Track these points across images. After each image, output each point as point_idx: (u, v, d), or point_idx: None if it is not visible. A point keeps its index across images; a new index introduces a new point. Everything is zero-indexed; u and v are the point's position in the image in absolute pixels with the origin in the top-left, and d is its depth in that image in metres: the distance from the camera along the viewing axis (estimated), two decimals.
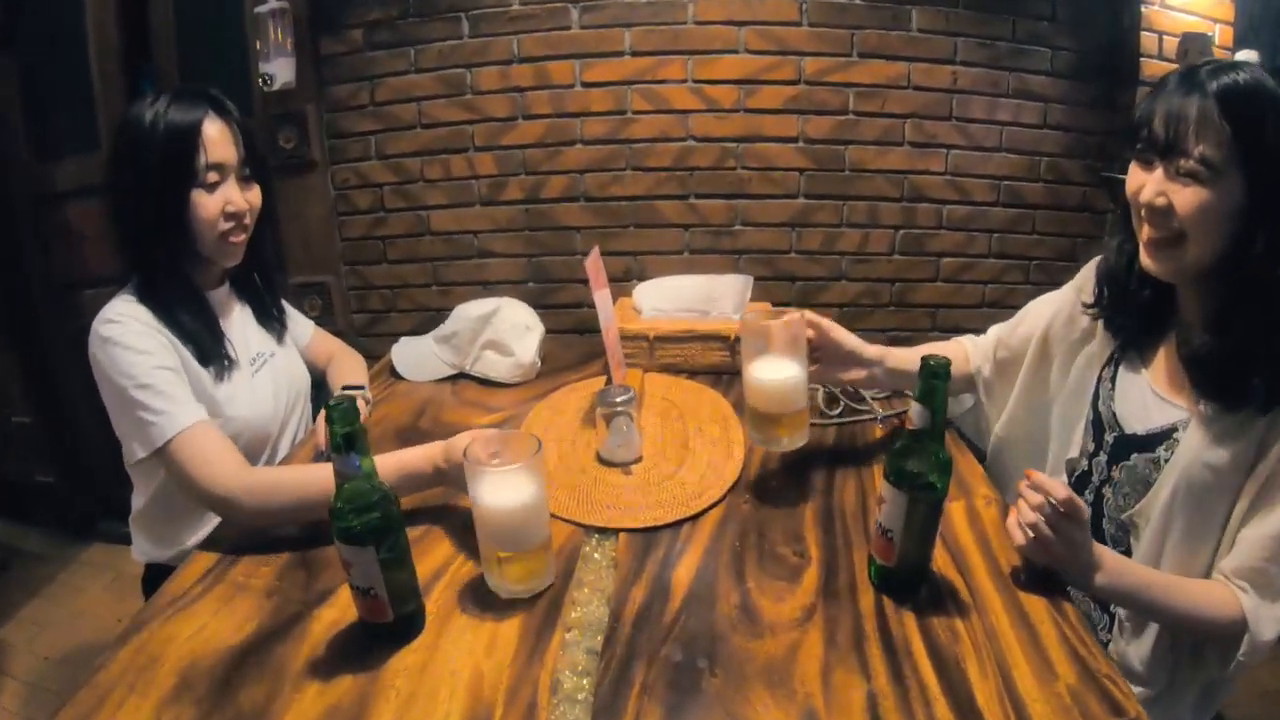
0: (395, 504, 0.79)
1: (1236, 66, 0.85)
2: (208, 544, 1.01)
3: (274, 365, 1.32)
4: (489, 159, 1.99)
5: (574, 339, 2.02)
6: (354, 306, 2.13)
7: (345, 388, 1.35)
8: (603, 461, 1.17)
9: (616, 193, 1.99)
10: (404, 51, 1.98)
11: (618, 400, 1.15)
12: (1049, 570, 0.91)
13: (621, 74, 1.94)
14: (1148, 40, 1.93)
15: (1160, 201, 0.86)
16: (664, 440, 1.24)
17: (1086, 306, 1.08)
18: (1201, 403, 0.91)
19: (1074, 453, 1.11)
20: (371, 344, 2.09)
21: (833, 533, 1.00)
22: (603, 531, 1.01)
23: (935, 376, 0.79)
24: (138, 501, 1.26)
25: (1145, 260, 0.92)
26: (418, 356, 1.56)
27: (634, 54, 1.93)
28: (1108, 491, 1.04)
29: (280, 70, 1.95)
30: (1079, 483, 1.10)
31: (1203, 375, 0.91)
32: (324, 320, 1.98)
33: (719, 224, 2.01)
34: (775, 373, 1.05)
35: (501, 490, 0.84)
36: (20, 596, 2.53)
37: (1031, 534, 0.87)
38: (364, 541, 0.75)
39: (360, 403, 1.27)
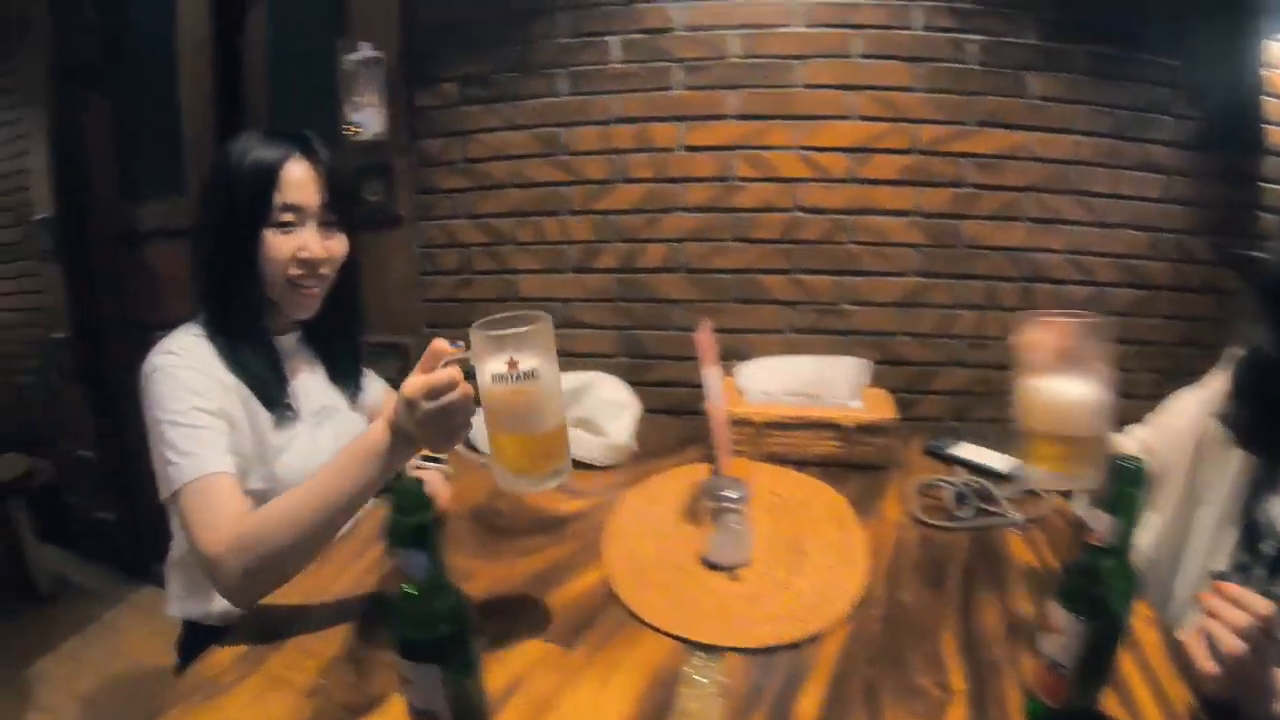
0: (468, 610, 0.68)
1: None
2: (250, 616, 0.94)
3: (339, 422, 1.25)
4: (584, 223, 1.93)
5: (667, 420, 1.88)
6: None
7: (424, 458, 1.23)
8: (707, 564, 1.06)
9: (719, 265, 1.92)
10: (499, 108, 1.94)
11: (729, 494, 1.04)
12: (1229, 703, 0.77)
13: (726, 139, 1.88)
14: (1273, 107, 1.83)
15: None
16: (775, 541, 1.12)
17: (1224, 421, 0.97)
18: None
19: (1222, 565, 0.98)
20: None
21: (977, 661, 0.87)
22: (708, 649, 0.88)
23: (1132, 482, 0.67)
24: (175, 548, 1.20)
25: None
26: None
27: (739, 118, 1.87)
28: None
29: (370, 120, 1.92)
30: None
31: None
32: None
33: (826, 302, 1.92)
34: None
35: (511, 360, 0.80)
36: (65, 630, 2.54)
37: (1227, 660, 0.73)
38: (428, 658, 0.64)
39: (438, 478, 1.20)
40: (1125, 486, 0.67)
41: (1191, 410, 1.08)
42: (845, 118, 1.86)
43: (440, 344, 0.86)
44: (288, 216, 1.08)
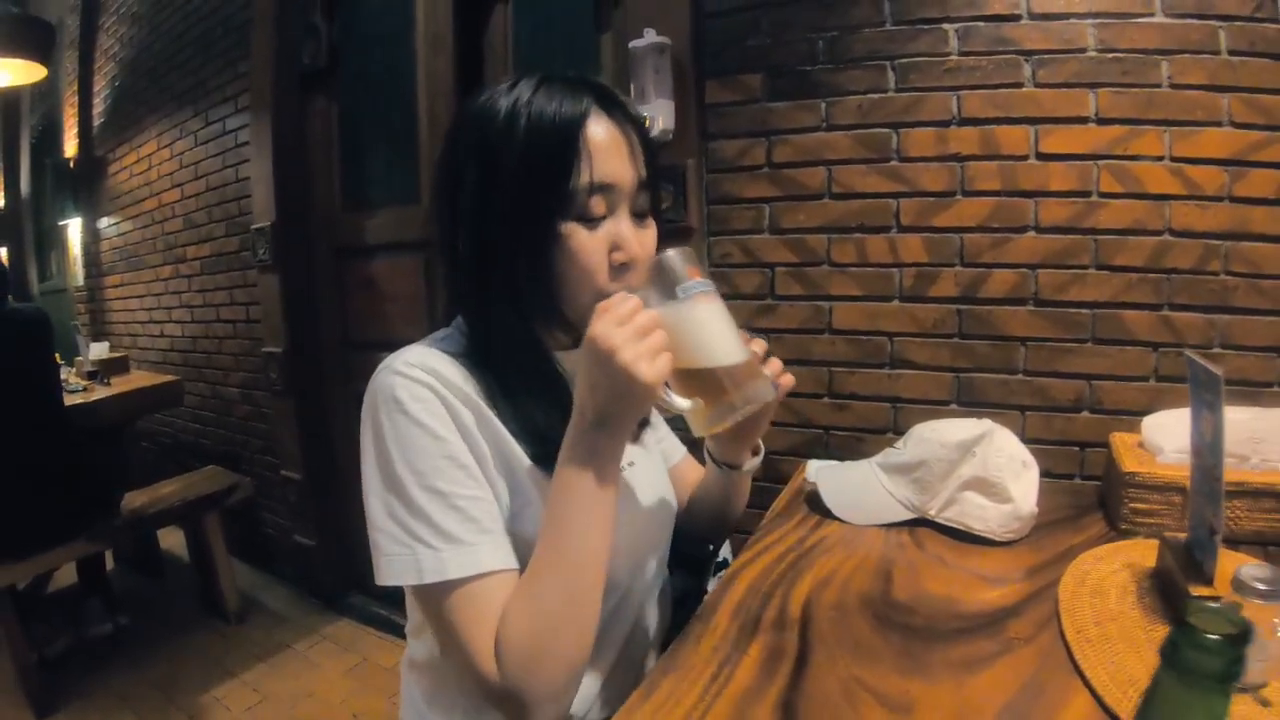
0: None
1: None
2: None
3: (633, 476, 0.93)
4: (916, 242, 1.63)
5: None
6: None
7: None
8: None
9: (1074, 296, 1.58)
10: (813, 104, 1.65)
11: (1265, 586, 0.71)
12: None
13: (1087, 145, 1.56)
14: None
15: None
16: None
17: None
18: None
19: None
20: None
21: None
22: None
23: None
24: (418, 648, 0.91)
25: None
26: (858, 490, 1.20)
27: (1100, 122, 1.55)
28: None
29: (660, 114, 1.66)
30: None
31: None
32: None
33: (1195, 344, 1.57)
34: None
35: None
36: (250, 657, 2.39)
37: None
38: None
39: None
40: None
41: None
42: (1217, 124, 1.53)
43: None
44: (598, 204, 0.76)
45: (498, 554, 0.74)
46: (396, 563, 0.73)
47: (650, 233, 0.82)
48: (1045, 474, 1.25)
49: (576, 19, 1.93)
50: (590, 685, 0.88)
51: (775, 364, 0.87)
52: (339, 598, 2.65)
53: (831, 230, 1.66)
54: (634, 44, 1.67)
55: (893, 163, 1.63)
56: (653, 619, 1.00)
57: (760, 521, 1.22)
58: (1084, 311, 1.59)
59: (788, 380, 0.87)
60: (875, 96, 1.63)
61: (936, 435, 1.18)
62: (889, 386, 1.66)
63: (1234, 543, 1.15)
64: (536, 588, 0.72)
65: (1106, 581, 0.99)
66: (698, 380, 0.73)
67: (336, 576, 2.65)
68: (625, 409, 0.71)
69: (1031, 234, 1.59)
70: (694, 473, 1.15)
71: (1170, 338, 1.59)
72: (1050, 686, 0.77)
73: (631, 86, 1.68)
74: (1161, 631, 0.85)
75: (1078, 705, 0.73)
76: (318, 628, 2.54)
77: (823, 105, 1.65)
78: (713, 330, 0.72)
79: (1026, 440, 1.59)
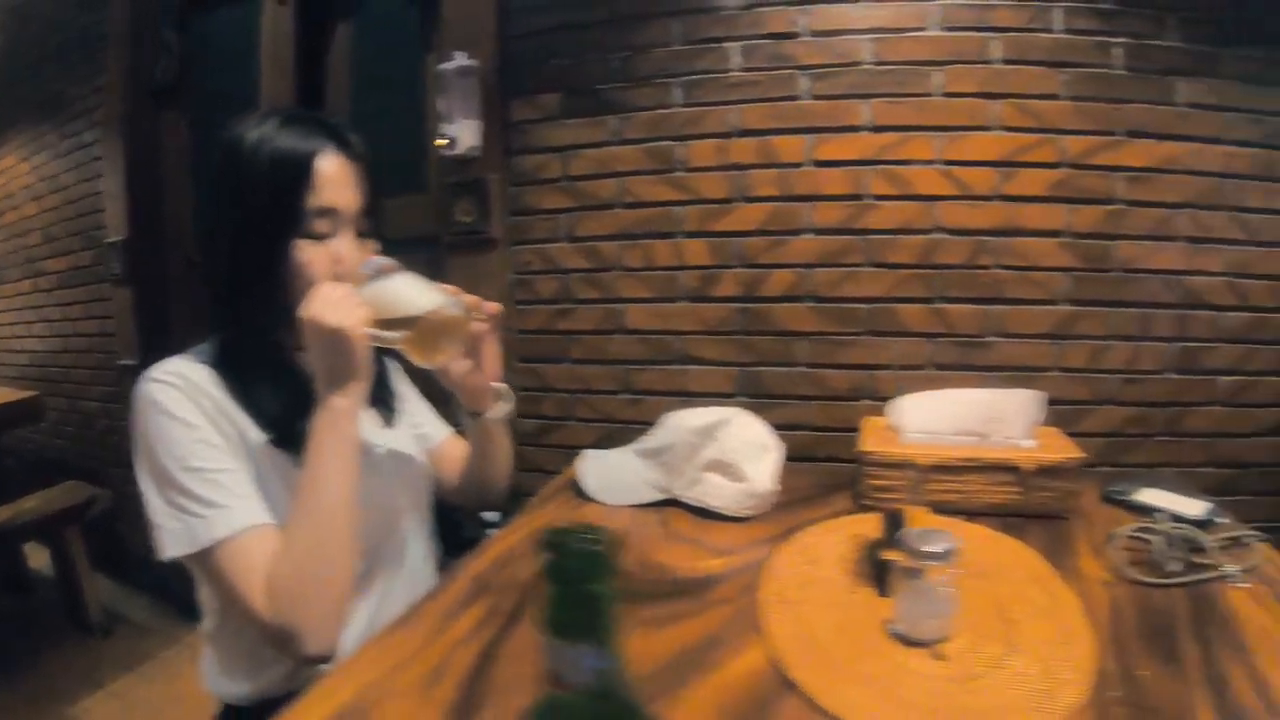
0: None
1: None
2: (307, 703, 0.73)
3: (383, 450, 1.04)
4: (700, 246, 1.71)
5: (795, 467, 1.73)
6: (525, 410, 1.83)
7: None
8: (896, 638, 0.84)
9: (849, 292, 1.68)
10: (606, 120, 1.73)
11: (933, 549, 0.80)
12: None
13: (859, 152, 1.66)
14: None
15: None
16: (975, 610, 0.88)
17: None
18: None
19: None
20: (541, 456, 1.82)
21: None
22: None
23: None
24: (209, 619, 0.99)
25: None
26: (615, 474, 1.28)
27: (874, 129, 1.65)
28: None
29: (464, 134, 1.73)
30: None
31: None
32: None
33: (969, 334, 1.68)
34: None
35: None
36: (115, 667, 2.41)
37: None
38: None
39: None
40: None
41: None
42: (987, 128, 1.65)
43: None
44: (323, 225, 0.90)
45: (255, 512, 0.85)
46: (173, 536, 0.85)
47: (369, 249, 0.95)
48: (829, 459, 1.34)
49: (407, 41, 2.01)
50: (357, 632, 0.96)
51: (473, 298, 0.98)
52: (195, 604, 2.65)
53: (622, 237, 1.74)
54: (442, 67, 1.74)
55: (678, 173, 1.71)
56: (418, 579, 1.09)
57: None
58: (859, 306, 1.69)
59: (491, 306, 1.01)
60: (663, 112, 1.70)
61: (682, 422, 1.26)
62: (679, 382, 1.74)
63: (972, 514, 1.22)
64: (295, 533, 0.83)
65: (826, 551, 1.07)
66: (402, 325, 0.88)
67: (191, 582, 2.65)
68: (343, 361, 0.84)
69: (808, 236, 1.68)
70: (460, 448, 1.24)
71: (943, 328, 1.69)
72: (731, 639, 0.84)
73: (440, 106, 1.75)
74: (863, 595, 0.93)
75: (751, 656, 0.81)
76: (181, 635, 2.55)
77: (615, 121, 1.72)
78: (400, 287, 0.89)
79: (809, 428, 1.69)
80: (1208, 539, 1.08)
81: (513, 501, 1.28)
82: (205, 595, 0.99)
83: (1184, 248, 1.71)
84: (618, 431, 1.78)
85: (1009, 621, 0.88)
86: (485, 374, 1.06)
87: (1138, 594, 0.98)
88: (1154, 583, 1.00)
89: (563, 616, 0.45)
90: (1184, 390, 1.74)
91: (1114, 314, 1.70)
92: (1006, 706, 0.72)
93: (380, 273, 0.89)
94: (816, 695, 0.74)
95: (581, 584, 0.44)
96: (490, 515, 1.37)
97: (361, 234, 0.94)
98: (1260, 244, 1.74)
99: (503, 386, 1.11)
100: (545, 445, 1.79)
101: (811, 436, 1.71)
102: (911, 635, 0.83)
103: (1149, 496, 1.32)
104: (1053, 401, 1.64)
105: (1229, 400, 1.76)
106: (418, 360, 0.92)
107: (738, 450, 1.23)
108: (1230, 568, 1.02)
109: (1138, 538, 1.11)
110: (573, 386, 1.81)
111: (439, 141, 1.71)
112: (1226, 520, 1.22)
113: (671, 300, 1.74)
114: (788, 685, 0.77)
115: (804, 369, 1.68)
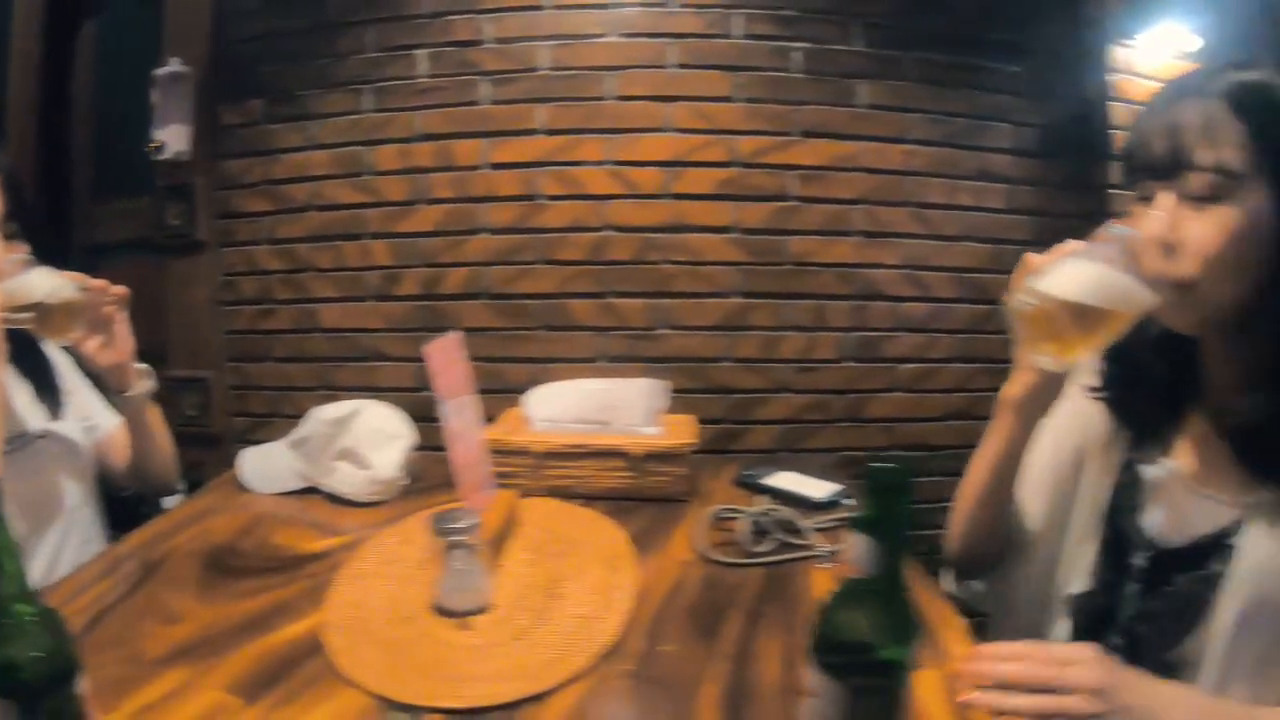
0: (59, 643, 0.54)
1: (1243, 65, 0.71)
2: None
3: (40, 445, 1.11)
4: (384, 248, 1.77)
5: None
6: (235, 408, 1.89)
7: None
8: (440, 611, 0.91)
9: (524, 289, 1.74)
10: (302, 125, 1.78)
11: (455, 526, 0.89)
12: None
13: (533, 154, 1.72)
14: (1119, 112, 1.72)
15: (1169, 235, 0.70)
16: (530, 584, 0.97)
17: (1092, 390, 0.88)
18: (1261, 490, 0.73)
19: (1080, 586, 0.89)
20: None
21: None
22: (410, 709, 0.74)
23: (890, 490, 0.52)
24: None
25: (1160, 314, 0.73)
26: (268, 464, 1.35)
27: (548, 133, 1.72)
28: (1143, 629, 0.81)
29: (173, 139, 1.77)
30: (1092, 625, 0.86)
31: (1256, 452, 0.73)
32: (201, 421, 1.78)
33: (640, 327, 1.74)
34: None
35: None
36: None
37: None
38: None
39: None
40: (885, 496, 0.52)
41: (1062, 425, 0.93)
42: (659, 130, 1.71)
43: None
44: None
45: None
46: None
47: (15, 249, 1.05)
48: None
49: (149, 42, 2.03)
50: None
51: (99, 283, 1.07)
52: None
53: (316, 240, 1.80)
54: (157, 72, 1.79)
55: (365, 177, 1.77)
56: (87, 548, 1.18)
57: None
58: (533, 302, 1.76)
59: (116, 290, 1.09)
60: (354, 117, 1.76)
61: (321, 414, 1.32)
62: (371, 378, 1.80)
63: (590, 498, 1.30)
64: None
65: (422, 532, 1.10)
66: (31, 309, 1.00)
67: None
68: None
69: (483, 235, 1.75)
70: (127, 438, 1.30)
71: (614, 322, 1.76)
72: (298, 609, 0.94)
73: (155, 110, 1.81)
74: (431, 573, 0.98)
75: (305, 624, 0.90)
76: None
77: (311, 126, 1.78)
78: (30, 278, 0.99)
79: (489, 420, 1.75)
80: (804, 521, 1.14)
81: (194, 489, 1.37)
82: None
83: (858, 242, 1.77)
84: None
85: (555, 596, 0.96)
86: (118, 352, 1.13)
87: (713, 572, 1.05)
88: (731, 562, 1.05)
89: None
90: (864, 378, 1.81)
91: (787, 306, 1.77)
92: (507, 672, 0.80)
93: (20, 267, 1.00)
94: (335, 656, 0.83)
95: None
96: (168, 501, 1.46)
97: (8, 237, 1.03)
98: (941, 238, 1.80)
99: (143, 366, 1.18)
100: (255, 442, 1.87)
101: None
102: (447, 607, 0.91)
103: (779, 480, 1.39)
104: (728, 390, 1.74)
105: (910, 387, 1.82)
106: (51, 338, 1.08)
107: (365, 439, 1.30)
108: (823, 547, 1.09)
109: (731, 519, 1.18)
110: (277, 384, 1.87)
111: (151, 145, 1.80)
112: (850, 502, 1.29)
113: (360, 300, 1.80)
114: (319, 648, 0.86)
115: (483, 363, 1.75)
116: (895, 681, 0.56)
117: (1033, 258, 0.76)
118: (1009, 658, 0.70)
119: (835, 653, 0.56)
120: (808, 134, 1.75)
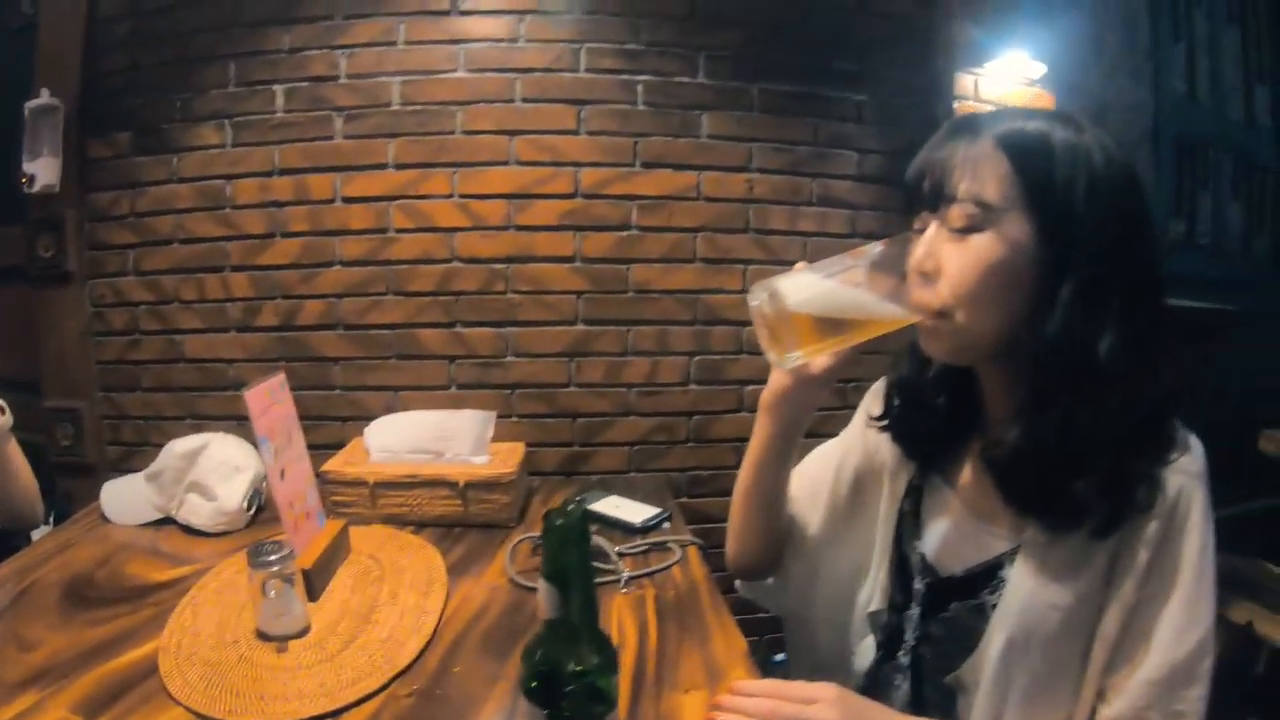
0: None
1: (1018, 112, 0.74)
2: None
3: None
4: (244, 280, 1.83)
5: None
6: (108, 438, 1.93)
7: None
8: (261, 636, 0.99)
9: (375, 320, 1.81)
10: (167, 159, 1.84)
11: (269, 559, 0.96)
12: None
13: (384, 189, 1.79)
14: None
15: (928, 265, 0.72)
16: (349, 610, 1.06)
17: (874, 419, 0.92)
18: (1028, 526, 0.75)
19: (877, 605, 0.93)
20: None
21: None
22: None
23: (565, 539, 0.58)
24: None
25: (921, 341, 0.76)
26: (128, 497, 1.42)
27: (397, 167, 1.79)
28: (925, 651, 0.85)
29: (43, 171, 1.81)
30: (890, 642, 0.90)
31: (1015, 486, 0.74)
32: (74, 451, 1.83)
33: (487, 355, 1.81)
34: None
35: None
36: None
37: None
38: None
39: None
40: (557, 541, 0.58)
41: (830, 463, 1.00)
42: (504, 163, 1.78)
43: None
44: None
45: None
46: None
47: None
48: None
49: (21, 74, 1.99)
50: None
51: None
52: None
53: (180, 271, 1.86)
54: (28, 104, 1.82)
55: (225, 210, 1.83)
56: None
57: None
58: (385, 332, 1.83)
59: None
60: (215, 151, 1.82)
61: (173, 447, 1.40)
62: (233, 407, 1.85)
63: (421, 525, 1.39)
64: None
65: None
66: None
67: None
68: None
69: (337, 268, 1.82)
70: None
71: (463, 351, 1.84)
72: (139, 635, 1.02)
73: (26, 142, 1.83)
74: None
75: (145, 650, 0.98)
76: None
77: (174, 160, 1.84)
78: None
79: (337, 449, 1.84)
80: (612, 547, 1.23)
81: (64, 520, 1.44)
82: None
83: (700, 269, 1.84)
84: None
85: (370, 621, 1.05)
86: None
87: (521, 597, 1.13)
88: (534, 587, 1.16)
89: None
90: (708, 400, 1.88)
91: (630, 332, 1.84)
92: (307, 693, 0.88)
93: None
94: (166, 678, 0.91)
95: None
96: (36, 532, 1.53)
97: None
98: (782, 263, 1.86)
99: None
100: (128, 471, 1.91)
101: None
102: (267, 632, 1.00)
103: (603, 505, 1.49)
104: (575, 415, 1.82)
105: (755, 407, 1.89)
106: None
107: (212, 472, 1.38)
108: (623, 572, 1.18)
109: (539, 544, 1.27)
110: (146, 414, 1.93)
111: (22, 180, 1.86)
112: (667, 526, 1.38)
113: (223, 330, 1.86)
114: (155, 670, 0.94)
115: (340, 391, 1.83)
116: (596, 707, 0.63)
117: (801, 266, 0.80)
118: (757, 694, 0.76)
119: (539, 685, 0.63)
120: (648, 165, 1.81)
